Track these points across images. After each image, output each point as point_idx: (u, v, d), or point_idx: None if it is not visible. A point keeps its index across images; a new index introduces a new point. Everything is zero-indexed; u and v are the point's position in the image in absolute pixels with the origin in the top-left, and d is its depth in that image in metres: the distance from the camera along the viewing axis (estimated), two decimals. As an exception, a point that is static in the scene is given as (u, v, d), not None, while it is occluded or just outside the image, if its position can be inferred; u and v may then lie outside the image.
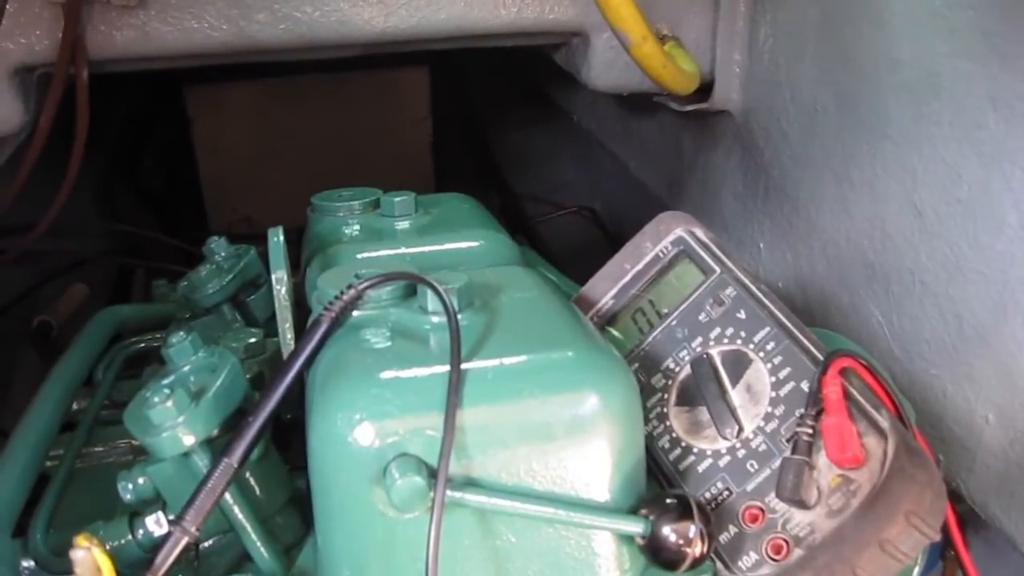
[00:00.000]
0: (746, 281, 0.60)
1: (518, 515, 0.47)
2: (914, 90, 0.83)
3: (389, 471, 0.45)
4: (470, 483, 0.46)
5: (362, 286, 0.54)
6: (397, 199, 0.75)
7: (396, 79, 1.93)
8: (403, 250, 0.68)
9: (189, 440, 0.50)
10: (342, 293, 0.54)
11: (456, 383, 0.46)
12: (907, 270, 0.87)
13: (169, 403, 0.49)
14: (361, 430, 0.45)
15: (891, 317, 0.90)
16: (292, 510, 0.58)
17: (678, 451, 0.57)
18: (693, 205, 1.31)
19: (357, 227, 0.74)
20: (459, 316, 0.51)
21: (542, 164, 2.04)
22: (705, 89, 1.12)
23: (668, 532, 0.48)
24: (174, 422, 0.50)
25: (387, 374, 0.47)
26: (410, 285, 0.56)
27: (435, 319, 0.53)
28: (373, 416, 0.45)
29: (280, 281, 0.60)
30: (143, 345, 0.83)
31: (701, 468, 0.56)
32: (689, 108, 1.14)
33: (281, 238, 0.61)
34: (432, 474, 0.45)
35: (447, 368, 0.47)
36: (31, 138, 1.02)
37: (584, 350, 0.50)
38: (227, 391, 0.52)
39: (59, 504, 0.62)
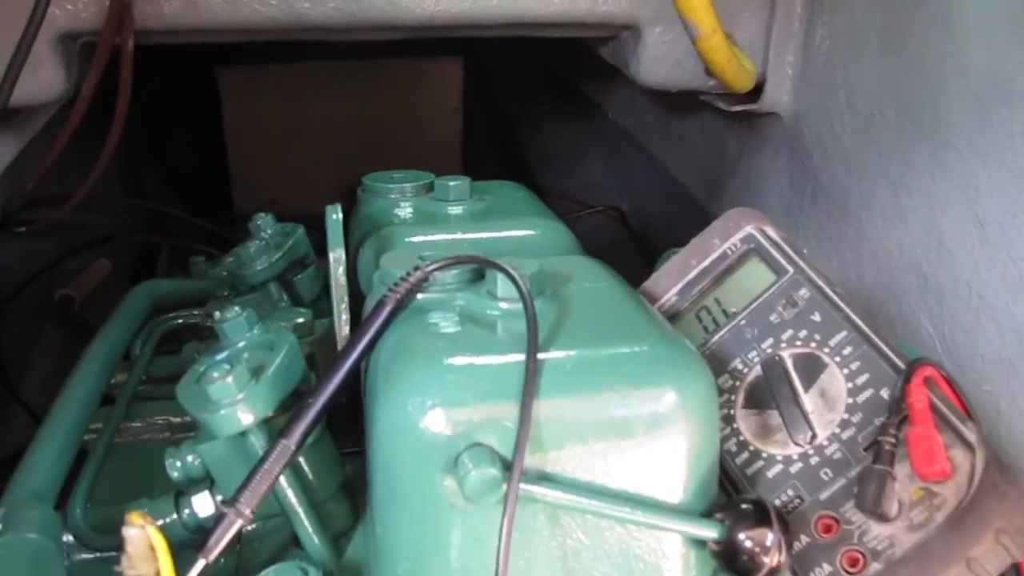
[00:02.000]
0: (820, 283, 0.58)
1: (590, 513, 0.45)
2: (983, 98, 0.80)
3: (461, 461, 0.42)
4: (544, 477, 0.44)
5: (430, 267, 0.52)
6: (452, 183, 0.73)
7: (429, 69, 1.91)
8: (459, 235, 0.66)
9: (248, 419, 0.48)
10: (408, 274, 0.52)
11: (533, 372, 0.44)
12: (964, 282, 0.84)
13: (229, 379, 0.47)
14: (432, 417, 0.43)
15: (943, 329, 0.87)
16: (343, 497, 0.56)
17: (746, 455, 0.55)
18: (733, 207, 1.28)
19: (410, 210, 0.72)
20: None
21: (571, 161, 2.02)
22: (754, 90, 1.10)
23: (744, 539, 0.46)
24: (233, 399, 0.48)
25: (460, 360, 0.45)
26: (477, 269, 0.54)
27: (504, 305, 0.51)
28: (446, 403, 0.43)
29: (338, 260, 0.58)
30: (181, 321, 0.81)
31: (771, 474, 0.54)
32: (737, 108, 1.12)
33: (339, 216, 0.59)
34: (506, 466, 0.43)
35: (522, 357, 0.45)
36: (69, 107, 1.00)
37: (665, 344, 0.48)
38: (286, 370, 0.50)
39: (97, 480, 0.60)
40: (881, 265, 0.99)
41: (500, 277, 0.51)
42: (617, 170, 1.90)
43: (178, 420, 0.70)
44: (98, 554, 0.56)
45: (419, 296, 0.53)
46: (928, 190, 0.88)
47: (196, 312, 0.81)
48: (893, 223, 0.94)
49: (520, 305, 0.50)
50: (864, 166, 0.97)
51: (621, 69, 1.17)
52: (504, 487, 0.42)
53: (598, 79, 1.71)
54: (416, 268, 0.52)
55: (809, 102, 1.07)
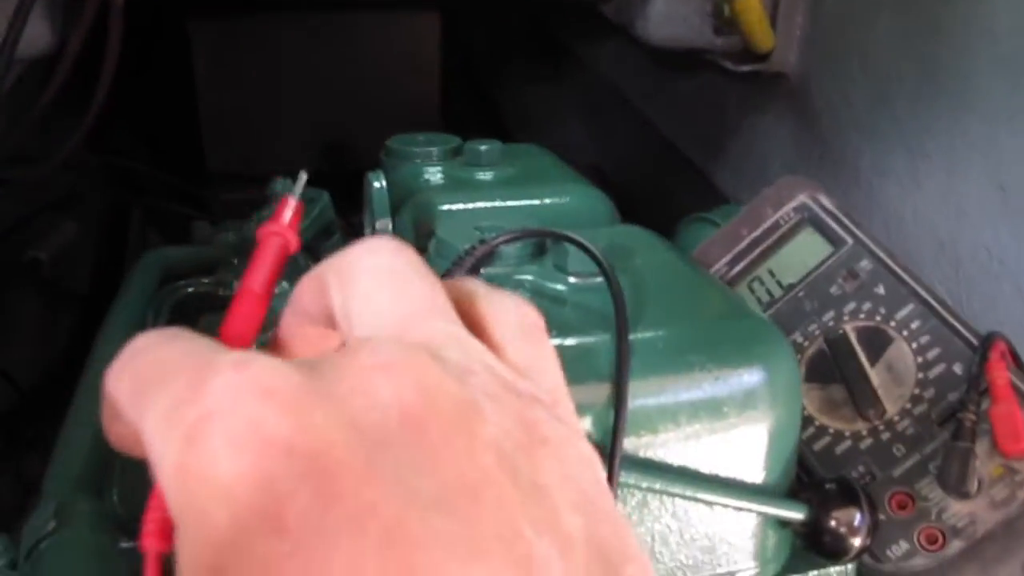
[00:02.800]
0: (882, 255, 0.57)
1: (682, 497, 0.43)
2: (1011, 63, 0.79)
3: (555, 447, 0.41)
4: (639, 462, 0.42)
5: (497, 240, 0.49)
6: (483, 147, 0.70)
7: (407, 21, 1.85)
8: (498, 203, 0.64)
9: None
10: (473, 248, 0.49)
11: (626, 352, 0.42)
12: (983, 248, 0.84)
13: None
14: (524, 401, 0.41)
15: (960, 296, 0.87)
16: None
17: (811, 430, 0.54)
18: (733, 169, 1.27)
19: (440, 176, 0.69)
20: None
21: (550, 120, 1.99)
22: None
23: (832, 519, 0.45)
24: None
25: (546, 340, 0.43)
26: (538, 242, 0.52)
27: (573, 280, 0.49)
28: (538, 386, 0.41)
29: (384, 231, 0.55)
30: (191, 290, 0.77)
31: (839, 450, 0.53)
32: (745, 69, 1.10)
33: (383, 183, 0.56)
34: (601, 451, 0.41)
35: (609, 335, 0.43)
36: (54, 63, 0.95)
37: (750, 321, 0.46)
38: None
39: (127, 461, 0.57)
40: (893, 231, 0.98)
41: (572, 251, 0.48)
42: (599, 130, 1.87)
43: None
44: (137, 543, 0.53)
45: (481, 271, 0.50)
46: (947, 154, 0.88)
47: (206, 280, 0.78)
48: (908, 188, 0.93)
49: (592, 281, 0.49)
50: (877, 130, 0.97)
51: (625, 27, 1.14)
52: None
53: (585, 37, 1.68)
54: (481, 241, 0.49)
55: (819, 63, 1.05)
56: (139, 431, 0.21)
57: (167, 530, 0.23)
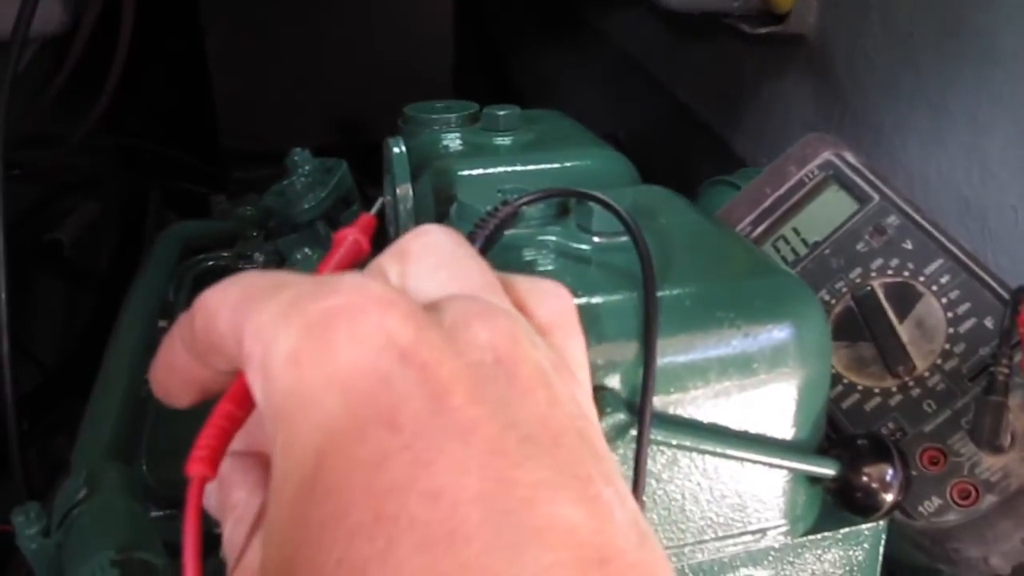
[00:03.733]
0: (909, 210, 0.56)
1: (713, 455, 0.43)
2: (1039, 15, 0.78)
3: (584, 405, 0.40)
4: (668, 419, 0.42)
5: (520, 201, 0.49)
6: (501, 112, 0.69)
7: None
8: (518, 167, 0.63)
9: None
10: (496, 209, 0.49)
11: (654, 309, 0.42)
12: (1009, 206, 0.83)
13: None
14: (553, 359, 0.41)
15: (986, 254, 0.86)
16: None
17: (839, 388, 0.53)
18: (751, 134, 1.26)
19: (459, 142, 0.68)
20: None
21: (565, 87, 1.97)
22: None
23: (863, 475, 0.44)
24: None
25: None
26: (561, 203, 0.51)
27: (598, 239, 0.48)
28: (567, 344, 0.41)
29: (405, 197, 0.55)
30: (211, 263, 0.77)
31: (868, 407, 0.52)
32: (763, 31, 1.08)
33: (403, 148, 0.56)
34: (631, 409, 0.41)
35: (636, 293, 0.43)
36: (68, 43, 0.95)
37: (778, 277, 0.46)
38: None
39: (156, 432, 0.58)
40: (917, 190, 0.97)
41: (596, 210, 0.48)
42: (614, 98, 1.86)
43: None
44: (169, 511, 0.53)
45: (504, 233, 0.50)
46: (971, 112, 0.86)
47: (226, 253, 0.78)
48: (931, 147, 0.92)
49: (617, 240, 0.48)
50: (900, 88, 0.95)
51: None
52: (633, 432, 0.40)
53: (600, 4, 1.66)
54: (503, 202, 0.49)
55: (838, 23, 1.04)
56: (238, 334, 0.22)
57: (216, 458, 0.23)
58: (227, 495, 0.27)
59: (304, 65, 1.79)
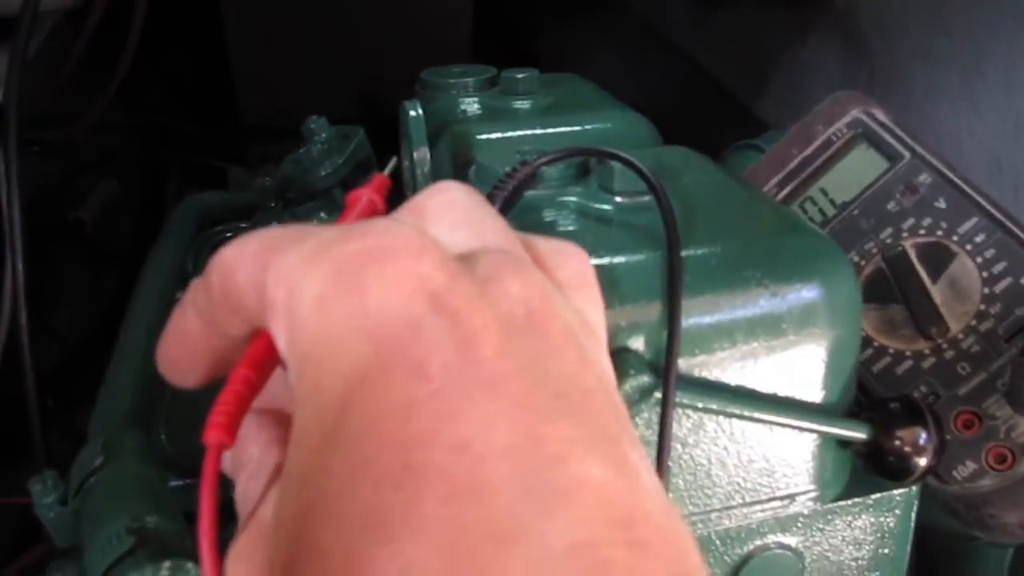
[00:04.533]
0: (942, 167, 0.54)
1: (740, 418, 0.42)
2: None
3: (607, 367, 0.39)
4: (694, 382, 0.41)
5: (539, 161, 0.47)
6: (520, 75, 0.68)
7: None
8: (537, 131, 0.62)
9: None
10: (515, 170, 0.47)
11: (678, 268, 0.40)
12: (1043, 167, 0.81)
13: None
14: (575, 321, 0.40)
15: (1019, 216, 0.84)
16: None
17: (870, 351, 0.52)
18: (775, 98, 1.23)
19: (477, 106, 0.67)
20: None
21: (585, 56, 1.94)
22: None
23: (895, 439, 0.43)
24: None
25: (595, 260, 0.41)
26: (582, 164, 0.50)
27: (620, 199, 0.47)
28: (588, 305, 0.40)
29: (423, 161, 0.54)
30: (229, 235, 0.76)
31: (899, 371, 0.51)
32: (789, -7, 1.06)
33: (420, 111, 0.55)
34: (655, 371, 0.39)
35: (660, 253, 0.42)
36: (82, 17, 0.94)
37: (806, 236, 0.44)
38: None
39: (175, 401, 0.57)
40: (947, 151, 0.95)
41: (617, 169, 0.46)
42: (634, 66, 1.83)
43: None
44: (187, 481, 0.53)
45: (524, 194, 0.49)
46: (1005, 73, 0.84)
47: (244, 224, 0.77)
48: (963, 110, 0.89)
49: (639, 200, 0.47)
50: (930, 50, 0.93)
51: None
52: (657, 394, 0.39)
53: (618, -30, 1.63)
54: (523, 163, 0.48)
55: (866, -17, 1.01)
56: (259, 283, 0.22)
57: (233, 425, 0.23)
58: (241, 451, 0.26)
59: (323, 38, 1.77)
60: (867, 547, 0.48)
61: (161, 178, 1.60)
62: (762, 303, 0.41)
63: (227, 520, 0.24)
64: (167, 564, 0.36)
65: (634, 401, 0.39)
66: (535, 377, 0.20)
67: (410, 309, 0.20)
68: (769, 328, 0.41)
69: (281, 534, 0.20)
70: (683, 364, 0.40)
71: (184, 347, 0.25)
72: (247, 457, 0.26)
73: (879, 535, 0.48)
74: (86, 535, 0.40)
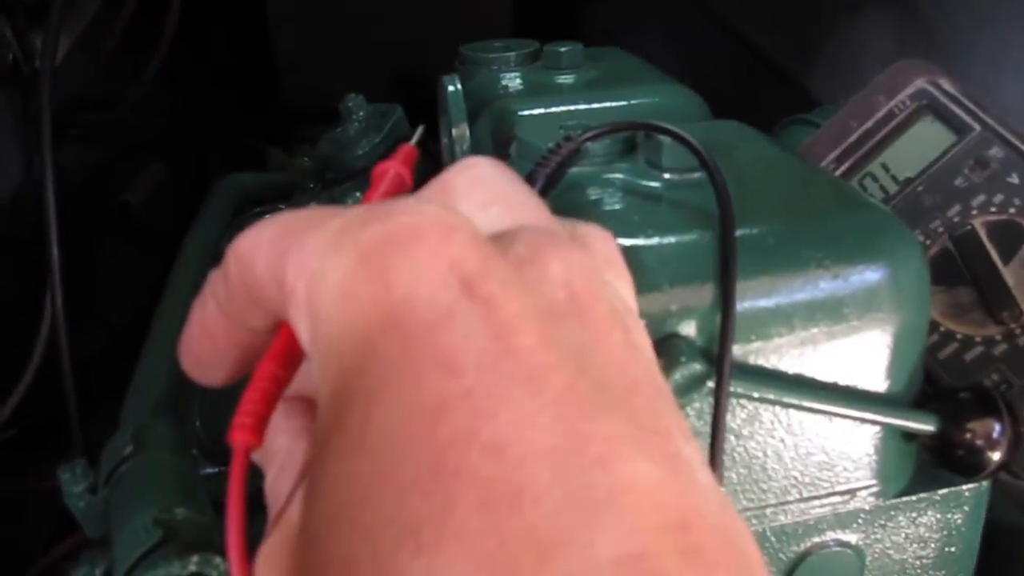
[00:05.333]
0: (1015, 141, 0.51)
1: (798, 409, 0.39)
2: None
3: (655, 355, 0.37)
4: (749, 370, 0.38)
5: (584, 136, 0.45)
6: (563, 49, 0.65)
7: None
8: (581, 106, 0.59)
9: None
10: (558, 145, 0.45)
11: (733, 248, 0.38)
12: (1118, 141, 0.76)
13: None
14: (621, 305, 0.37)
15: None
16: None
17: (936, 337, 0.49)
18: (826, 72, 1.19)
19: (519, 81, 0.65)
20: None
21: (627, 35, 1.90)
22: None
23: (966, 432, 0.40)
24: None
25: (643, 240, 0.39)
26: (627, 139, 0.48)
27: (669, 176, 0.44)
28: (635, 289, 0.37)
29: (461, 138, 0.52)
30: (267, 217, 0.75)
31: (968, 357, 0.48)
32: (843, -39, 1.01)
33: (459, 86, 0.52)
34: (707, 359, 0.37)
35: (713, 233, 0.39)
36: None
37: (871, 213, 0.42)
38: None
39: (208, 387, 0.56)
40: (1014, 126, 0.90)
41: (666, 144, 0.44)
42: (679, 40, 1.79)
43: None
44: (221, 468, 0.52)
45: (568, 171, 0.46)
46: (1076, 39, 0.80)
47: (282, 206, 0.76)
48: (1030, 79, 0.85)
49: (690, 176, 0.44)
50: (994, 20, 0.88)
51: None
52: (710, 383, 0.37)
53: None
54: (567, 138, 0.45)
55: (925, -52, 0.97)
56: (278, 272, 0.20)
57: (260, 426, 0.21)
58: (270, 441, 0.24)
59: (364, 17, 1.75)
60: (932, 545, 0.45)
61: (204, 161, 1.61)
62: (823, 285, 0.38)
63: (256, 511, 0.22)
64: (195, 559, 0.35)
65: (685, 391, 0.36)
66: (577, 368, 0.18)
67: (440, 296, 0.18)
68: (830, 313, 0.38)
69: (307, 542, 0.19)
70: (737, 351, 0.38)
71: (206, 343, 0.23)
72: (276, 448, 0.24)
73: (945, 532, 0.45)
74: (115, 526, 0.39)
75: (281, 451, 0.24)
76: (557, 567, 0.16)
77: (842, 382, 0.40)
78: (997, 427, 0.40)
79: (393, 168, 0.28)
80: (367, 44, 1.75)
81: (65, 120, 1.15)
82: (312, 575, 0.18)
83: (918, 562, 0.46)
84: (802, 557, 0.43)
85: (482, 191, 0.23)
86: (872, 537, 0.44)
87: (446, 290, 0.18)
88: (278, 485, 0.24)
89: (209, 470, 0.51)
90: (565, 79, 0.65)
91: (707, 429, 0.38)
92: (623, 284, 0.24)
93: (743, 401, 0.39)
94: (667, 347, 0.37)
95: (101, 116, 1.15)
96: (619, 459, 0.17)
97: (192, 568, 0.34)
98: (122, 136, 1.39)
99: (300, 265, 0.19)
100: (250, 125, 1.67)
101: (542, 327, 0.18)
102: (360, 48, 1.74)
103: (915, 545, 0.45)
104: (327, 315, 0.19)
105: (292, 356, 0.22)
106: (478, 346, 0.18)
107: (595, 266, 0.21)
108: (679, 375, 0.36)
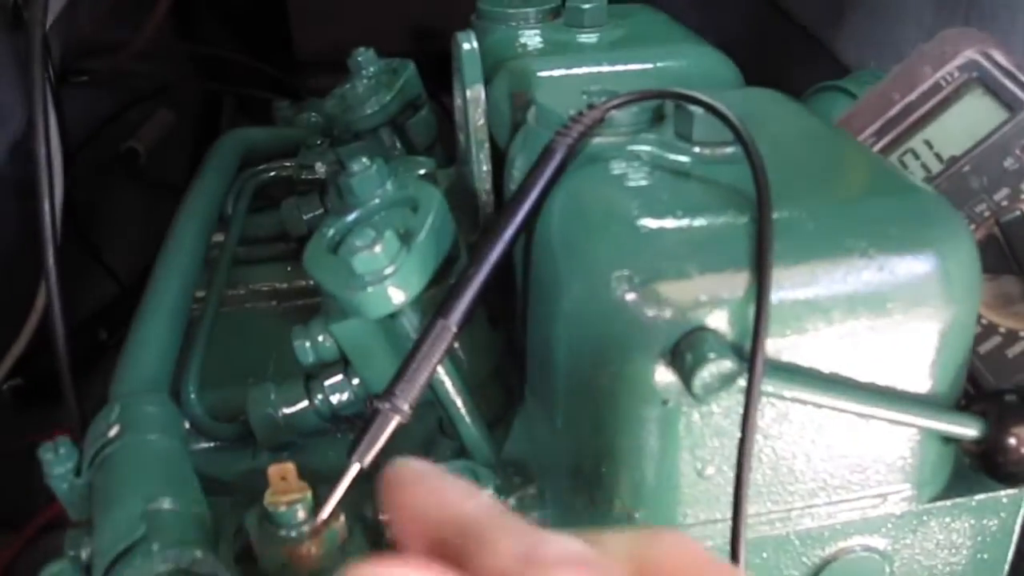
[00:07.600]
0: (1071, 119, 0.47)
1: (833, 409, 0.36)
2: None
3: (682, 349, 0.34)
4: (783, 368, 0.35)
5: (609, 104, 0.42)
6: (586, 6, 0.61)
7: None
8: (605, 67, 0.56)
9: (400, 297, 0.40)
10: (581, 113, 0.42)
11: (768, 233, 0.34)
12: None
13: (377, 248, 0.38)
14: (646, 295, 0.34)
15: None
16: (496, 380, 0.48)
17: (977, 329, 0.46)
18: (859, 37, 1.14)
19: (538, 39, 0.61)
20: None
21: (653, 3, 1.85)
22: None
23: (1011, 437, 0.37)
24: (382, 273, 0.39)
25: (671, 221, 0.36)
26: (656, 108, 0.44)
27: (700, 150, 0.41)
28: (662, 276, 0.34)
29: (476, 99, 0.48)
30: (273, 174, 0.72)
31: (1011, 353, 0.45)
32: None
33: (474, 44, 0.49)
34: (738, 354, 0.34)
35: (747, 216, 0.36)
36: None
37: (918, 197, 0.38)
38: (438, 234, 0.42)
39: (205, 356, 0.53)
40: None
41: (698, 115, 0.40)
42: (704, 14, 1.73)
43: (284, 286, 0.63)
44: (217, 443, 0.49)
45: (591, 141, 0.43)
46: None
47: (288, 164, 0.72)
48: (1077, 50, 0.81)
49: (722, 151, 0.41)
50: (1041, -18, 0.83)
51: None
52: (741, 382, 0.34)
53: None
54: (590, 106, 0.42)
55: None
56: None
57: None
58: None
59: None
60: (964, 551, 0.43)
61: (215, 110, 1.57)
62: (865, 276, 0.35)
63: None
64: (178, 554, 0.32)
65: (713, 389, 0.33)
66: None
67: None
68: (872, 306, 0.35)
69: None
70: (770, 346, 0.35)
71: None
72: None
73: (978, 539, 0.43)
74: (98, 514, 0.37)
75: None
76: None
77: (881, 382, 0.37)
78: (1047, 434, 0.37)
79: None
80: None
81: (70, 67, 1.12)
82: None
83: (947, 569, 0.43)
84: (826, 562, 0.41)
85: None
86: (901, 543, 0.41)
87: None
88: None
89: (203, 445, 0.49)
90: (587, 38, 0.61)
91: (733, 428, 0.36)
92: None
93: (773, 400, 0.36)
94: (695, 342, 0.34)
95: (106, 63, 1.12)
96: None
97: (175, 564, 0.32)
98: (132, 84, 1.35)
99: None
100: (263, 74, 1.63)
101: None
102: (373, 2, 1.70)
103: (946, 551, 0.42)
104: None
105: None
106: None
107: None
108: (707, 374, 0.33)
